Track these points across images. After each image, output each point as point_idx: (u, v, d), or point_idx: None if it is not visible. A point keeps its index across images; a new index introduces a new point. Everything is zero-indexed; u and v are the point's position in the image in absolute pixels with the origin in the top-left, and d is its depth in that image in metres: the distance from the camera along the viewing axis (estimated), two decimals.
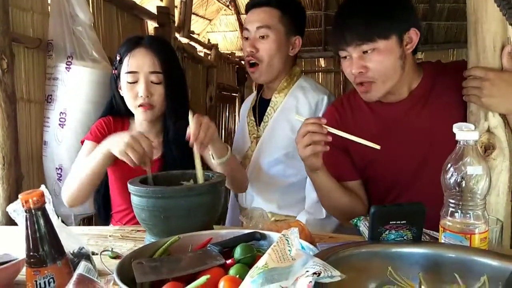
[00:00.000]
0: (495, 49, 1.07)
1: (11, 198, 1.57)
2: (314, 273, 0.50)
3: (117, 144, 1.16)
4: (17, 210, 0.82)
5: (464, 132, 0.77)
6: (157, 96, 1.38)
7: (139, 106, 1.38)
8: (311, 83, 1.66)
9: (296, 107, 1.59)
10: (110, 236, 1.20)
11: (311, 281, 0.49)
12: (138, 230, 1.24)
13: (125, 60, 1.39)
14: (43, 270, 0.69)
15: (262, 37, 1.56)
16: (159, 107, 1.40)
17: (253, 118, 1.70)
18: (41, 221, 0.69)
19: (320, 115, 1.55)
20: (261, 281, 0.51)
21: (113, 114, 1.49)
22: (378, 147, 1.10)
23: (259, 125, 1.67)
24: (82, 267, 0.65)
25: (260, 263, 0.56)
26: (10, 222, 1.53)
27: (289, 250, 0.59)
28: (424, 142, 1.25)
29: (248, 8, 1.64)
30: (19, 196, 0.70)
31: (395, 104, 1.30)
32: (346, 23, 1.23)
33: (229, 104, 5.06)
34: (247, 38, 1.61)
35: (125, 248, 1.09)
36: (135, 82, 1.37)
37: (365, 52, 1.19)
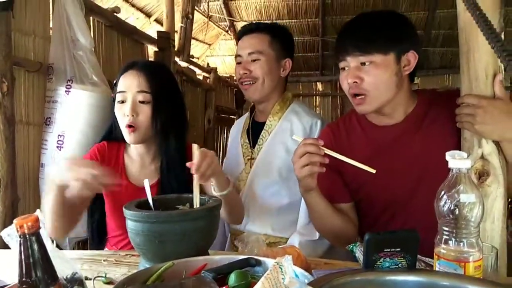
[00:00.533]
0: (487, 77, 1.09)
1: (7, 220, 1.56)
2: None
3: (59, 175, 1.11)
4: (11, 234, 0.82)
5: (456, 160, 0.78)
6: (143, 117, 1.37)
7: (126, 126, 1.37)
8: (304, 108, 1.73)
9: (291, 130, 1.65)
10: (104, 260, 1.19)
11: None
12: (132, 255, 1.23)
13: (118, 82, 1.41)
14: None
15: (254, 60, 1.64)
16: (145, 128, 1.38)
17: (247, 141, 1.73)
18: (35, 247, 0.69)
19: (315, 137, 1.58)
20: None
21: (111, 138, 1.48)
22: (373, 171, 1.11)
23: (253, 147, 1.70)
24: None
25: None
26: (4, 245, 1.52)
27: (282, 279, 0.59)
28: (416, 167, 1.27)
29: (240, 35, 1.72)
30: (14, 221, 0.69)
31: (389, 127, 1.33)
32: (349, 34, 1.29)
33: (227, 127, 5.08)
34: (239, 63, 1.68)
35: (119, 273, 1.08)
36: (123, 101, 1.38)
37: (363, 64, 1.23)
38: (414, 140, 1.29)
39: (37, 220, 0.70)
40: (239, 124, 1.86)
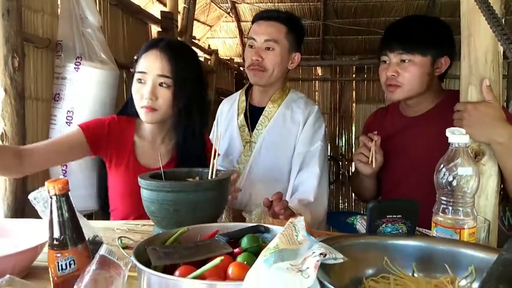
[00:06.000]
0: (487, 62, 1.14)
1: (17, 192, 1.61)
2: (321, 254, 0.56)
3: None
4: (37, 198, 0.88)
5: (456, 136, 0.84)
6: (162, 100, 1.35)
7: (143, 107, 1.35)
8: (302, 96, 1.79)
9: (291, 117, 1.70)
10: (117, 229, 1.25)
11: (318, 261, 0.55)
12: (144, 224, 1.28)
13: (139, 60, 1.39)
14: (64, 252, 0.73)
15: (268, 48, 1.64)
16: (164, 111, 1.37)
17: (245, 124, 1.74)
18: (65, 207, 0.74)
19: (311, 122, 1.68)
20: (273, 259, 0.56)
21: (127, 114, 1.47)
22: (373, 166, 1.47)
23: (251, 131, 1.72)
24: (104, 249, 0.70)
25: (272, 244, 0.62)
26: (15, 214, 1.58)
27: (296, 236, 0.64)
28: (414, 153, 1.48)
29: (257, 18, 1.71)
30: (46, 183, 0.75)
31: (408, 118, 1.57)
32: (396, 33, 1.50)
33: None
34: (251, 46, 1.68)
35: (133, 240, 1.14)
36: (143, 82, 1.36)
37: (403, 60, 1.45)
38: (421, 132, 1.49)
39: (67, 183, 0.75)
40: (232, 105, 1.83)
